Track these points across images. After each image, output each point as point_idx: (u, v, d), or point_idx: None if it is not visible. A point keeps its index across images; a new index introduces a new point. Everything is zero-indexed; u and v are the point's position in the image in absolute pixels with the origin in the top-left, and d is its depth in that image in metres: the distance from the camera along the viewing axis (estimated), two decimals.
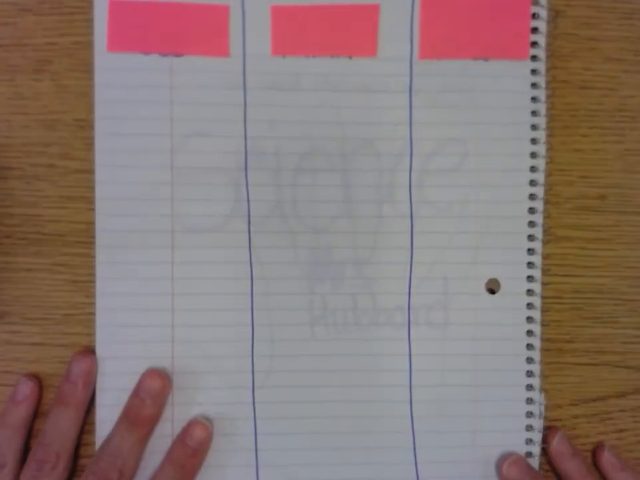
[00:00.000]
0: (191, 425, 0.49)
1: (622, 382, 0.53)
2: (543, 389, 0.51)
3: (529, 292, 0.51)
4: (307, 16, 0.49)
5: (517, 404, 0.51)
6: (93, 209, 0.50)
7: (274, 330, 0.50)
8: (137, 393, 0.49)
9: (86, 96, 0.50)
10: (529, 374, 0.51)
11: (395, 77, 0.50)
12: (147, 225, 0.50)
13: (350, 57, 0.50)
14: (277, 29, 0.49)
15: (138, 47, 0.49)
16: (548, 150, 0.51)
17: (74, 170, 0.50)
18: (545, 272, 0.51)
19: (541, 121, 0.51)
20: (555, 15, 0.51)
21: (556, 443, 0.51)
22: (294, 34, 0.49)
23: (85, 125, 0.50)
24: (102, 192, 0.49)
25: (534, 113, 0.51)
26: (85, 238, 0.50)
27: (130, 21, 0.49)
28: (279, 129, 0.50)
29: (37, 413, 0.50)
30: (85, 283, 0.50)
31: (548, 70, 0.51)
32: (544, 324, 0.52)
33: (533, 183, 0.51)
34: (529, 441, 0.51)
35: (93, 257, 0.50)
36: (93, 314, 0.50)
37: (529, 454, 0.51)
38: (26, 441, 0.49)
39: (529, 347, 0.51)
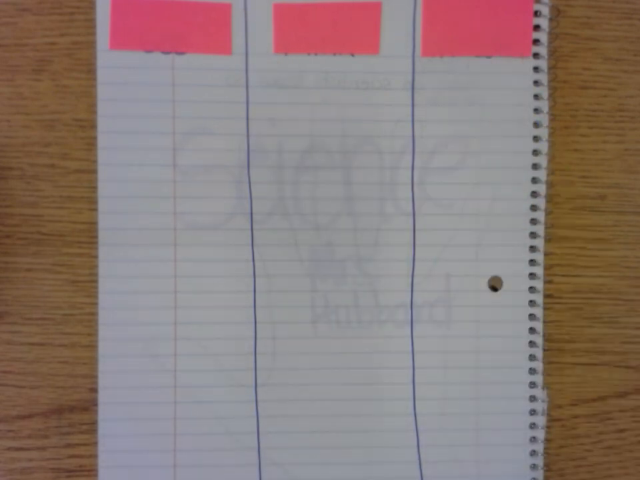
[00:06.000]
0: None
1: (622, 382, 0.53)
2: (545, 387, 0.51)
3: (531, 289, 0.51)
4: (309, 13, 0.49)
5: (519, 401, 0.51)
6: (93, 209, 0.50)
7: (276, 327, 0.50)
8: None
9: (86, 96, 0.50)
10: (532, 371, 0.51)
11: (397, 74, 0.50)
12: (150, 222, 0.50)
13: (352, 55, 0.50)
14: (279, 27, 0.49)
15: (140, 45, 0.49)
16: (548, 149, 0.51)
17: (74, 170, 0.50)
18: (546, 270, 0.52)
19: (543, 118, 0.51)
20: (557, 13, 0.51)
21: None
22: (296, 31, 0.49)
23: (85, 125, 0.50)
24: (104, 190, 0.49)
25: (536, 111, 0.51)
26: (85, 238, 0.50)
27: (132, 19, 0.49)
28: (280, 127, 0.50)
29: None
30: (85, 283, 0.50)
31: (550, 68, 0.51)
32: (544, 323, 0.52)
33: (535, 180, 0.51)
34: (533, 439, 0.51)
35: (93, 256, 0.50)
36: (94, 314, 0.50)
37: (533, 452, 0.51)
38: None
39: (532, 344, 0.51)
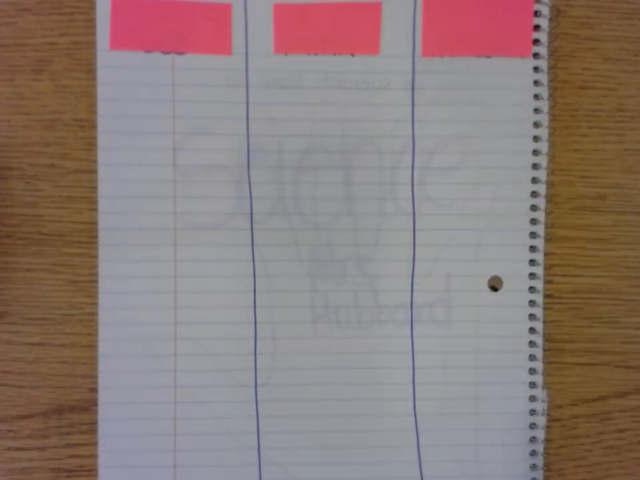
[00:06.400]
0: None
1: (622, 382, 0.53)
2: (545, 387, 0.51)
3: (531, 289, 0.51)
4: (309, 13, 0.49)
5: (519, 401, 0.51)
6: (93, 209, 0.50)
7: (276, 327, 0.50)
8: None
9: (86, 96, 0.50)
10: (532, 371, 0.51)
11: (397, 74, 0.50)
12: (150, 222, 0.49)
13: (352, 55, 0.50)
14: (279, 27, 0.49)
15: (140, 45, 0.49)
16: (548, 149, 0.51)
17: (74, 170, 0.50)
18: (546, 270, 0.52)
19: (543, 118, 0.51)
20: (557, 13, 0.51)
21: None
22: (296, 31, 0.49)
23: (85, 125, 0.50)
24: (104, 190, 0.49)
25: (536, 111, 0.51)
26: (85, 238, 0.50)
27: (132, 19, 0.49)
28: (280, 127, 0.50)
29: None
30: (85, 283, 0.50)
31: (550, 68, 0.51)
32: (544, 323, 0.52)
33: (535, 180, 0.51)
34: (533, 439, 0.51)
35: (93, 256, 0.50)
36: (94, 314, 0.50)
37: (533, 452, 0.51)
38: None
39: (532, 344, 0.51)
